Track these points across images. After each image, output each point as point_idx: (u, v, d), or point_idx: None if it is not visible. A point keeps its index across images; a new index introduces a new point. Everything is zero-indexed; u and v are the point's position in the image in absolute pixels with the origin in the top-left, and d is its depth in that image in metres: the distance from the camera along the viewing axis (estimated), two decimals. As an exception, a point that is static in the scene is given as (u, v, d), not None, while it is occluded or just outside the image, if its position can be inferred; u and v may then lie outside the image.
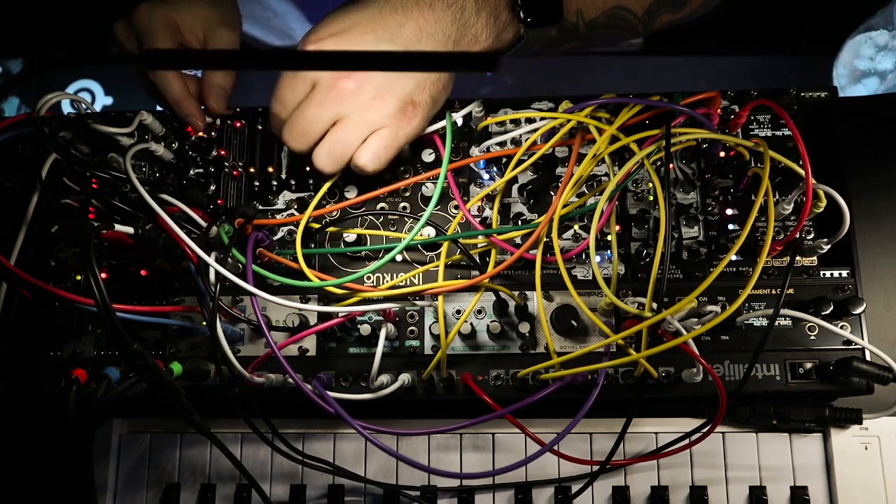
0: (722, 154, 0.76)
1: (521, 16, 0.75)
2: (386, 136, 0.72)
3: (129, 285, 0.77)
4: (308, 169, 0.81)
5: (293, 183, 0.81)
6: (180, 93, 0.79)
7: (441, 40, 0.71)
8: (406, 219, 0.79)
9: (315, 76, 0.71)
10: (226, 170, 0.82)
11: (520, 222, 0.76)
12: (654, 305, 0.66)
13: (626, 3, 0.83)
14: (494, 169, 0.78)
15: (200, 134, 0.82)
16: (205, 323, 0.73)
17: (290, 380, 0.69)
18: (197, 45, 0.85)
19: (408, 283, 0.77)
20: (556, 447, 0.70)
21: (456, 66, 0.45)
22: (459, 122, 0.79)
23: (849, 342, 0.72)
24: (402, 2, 0.70)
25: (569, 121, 0.73)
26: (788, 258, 0.71)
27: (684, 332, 0.64)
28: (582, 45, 0.92)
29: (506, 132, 0.76)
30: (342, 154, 0.72)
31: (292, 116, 0.72)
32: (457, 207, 0.79)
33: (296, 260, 0.73)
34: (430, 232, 0.76)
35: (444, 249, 0.74)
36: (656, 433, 0.78)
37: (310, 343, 0.76)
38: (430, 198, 0.72)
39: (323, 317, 0.74)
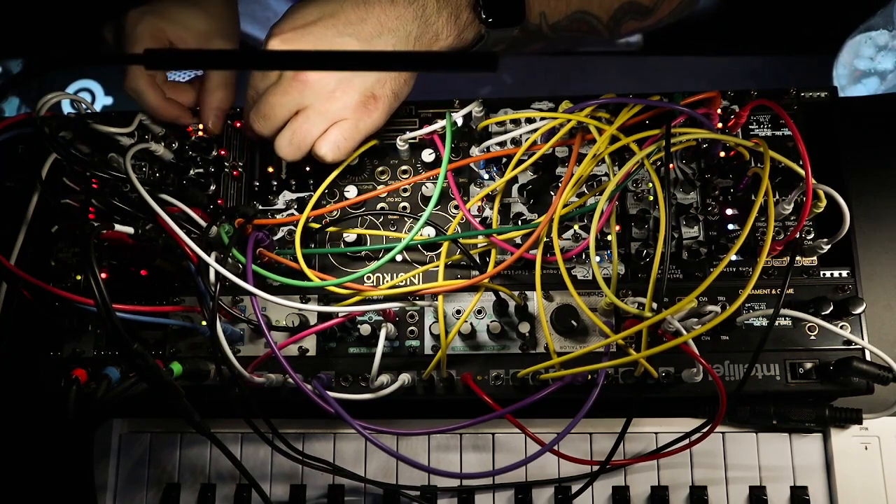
0: (722, 154, 0.76)
1: (483, 16, 0.76)
2: (346, 127, 0.73)
3: (129, 285, 0.77)
4: (308, 169, 0.81)
5: (293, 183, 0.81)
6: (156, 102, 0.79)
7: (402, 36, 0.72)
8: (406, 219, 0.79)
9: (273, 73, 0.72)
10: (226, 170, 0.82)
11: (520, 222, 0.76)
12: (654, 305, 0.66)
13: (591, 8, 0.84)
14: (494, 169, 0.78)
15: (200, 134, 0.82)
16: (205, 323, 0.73)
17: (290, 380, 0.69)
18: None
19: (408, 283, 0.77)
20: (556, 447, 0.70)
21: (456, 67, 0.45)
22: (459, 122, 0.79)
23: (849, 342, 0.72)
24: None
25: (569, 121, 0.73)
26: (788, 258, 0.71)
27: (684, 332, 0.64)
28: (547, 46, 0.92)
29: (506, 132, 0.76)
30: (302, 142, 0.73)
31: (259, 101, 0.74)
32: (457, 207, 0.79)
33: (296, 260, 0.73)
34: (430, 232, 0.76)
35: (444, 249, 0.74)
36: (656, 433, 0.78)
37: (310, 343, 0.76)
38: (430, 198, 0.72)
39: (323, 317, 0.74)
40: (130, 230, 0.67)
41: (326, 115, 0.72)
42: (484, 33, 0.79)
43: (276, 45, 0.71)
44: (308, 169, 0.81)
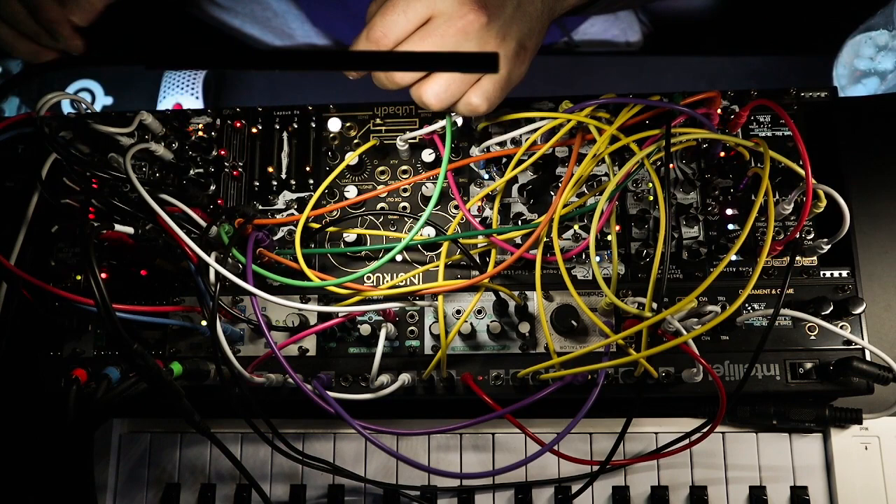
0: (722, 154, 0.76)
1: None
2: (501, 77, 0.70)
3: (129, 285, 0.77)
4: (308, 169, 0.81)
5: (293, 183, 0.81)
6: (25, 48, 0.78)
7: None
8: (406, 219, 0.79)
9: (436, 6, 0.66)
10: (226, 170, 0.82)
11: (520, 222, 0.76)
12: (654, 305, 0.66)
13: None
14: (494, 169, 0.78)
15: (200, 133, 0.82)
16: (205, 323, 0.73)
17: (290, 380, 0.69)
18: None
19: (408, 283, 0.77)
20: (556, 447, 0.70)
21: (456, 66, 0.45)
22: (459, 122, 0.79)
23: (849, 342, 0.72)
24: None
25: (569, 121, 0.73)
26: (788, 258, 0.71)
27: (684, 332, 0.64)
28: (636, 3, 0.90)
29: (506, 132, 0.76)
30: (458, 91, 0.69)
31: (406, 42, 0.68)
32: (457, 207, 0.79)
33: (296, 260, 0.73)
34: (430, 232, 0.76)
35: (444, 249, 0.74)
36: (656, 433, 0.78)
37: (310, 343, 0.76)
38: (430, 198, 0.72)
39: (323, 317, 0.74)
40: (130, 230, 0.67)
41: None
42: None
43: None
44: (308, 169, 0.81)
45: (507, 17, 0.69)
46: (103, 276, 0.74)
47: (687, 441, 0.73)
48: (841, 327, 0.72)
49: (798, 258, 0.75)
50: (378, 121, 0.82)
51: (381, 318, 0.74)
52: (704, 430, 0.71)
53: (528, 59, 0.72)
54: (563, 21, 1.18)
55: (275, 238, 0.77)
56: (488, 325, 0.74)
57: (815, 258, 0.76)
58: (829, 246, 0.73)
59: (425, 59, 0.52)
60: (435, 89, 0.68)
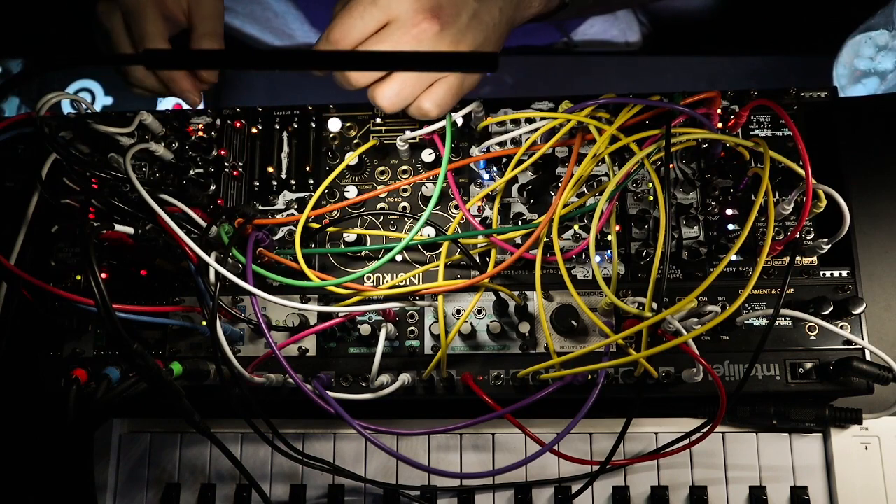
0: (722, 154, 0.76)
1: None
2: (453, 84, 0.73)
3: (129, 285, 0.77)
4: (308, 169, 0.81)
5: (293, 183, 0.81)
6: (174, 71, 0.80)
7: (508, 0, 0.76)
8: (406, 219, 0.79)
9: (391, 12, 0.69)
10: (226, 170, 0.82)
11: (520, 222, 0.76)
12: (654, 305, 0.66)
13: None
14: (494, 169, 0.78)
15: (200, 133, 0.82)
16: (205, 323, 0.73)
17: (290, 380, 0.69)
18: (182, 16, 0.85)
19: (408, 283, 0.77)
20: (556, 447, 0.70)
21: (456, 66, 0.45)
22: (459, 122, 0.79)
23: (849, 342, 0.72)
24: None
25: (569, 121, 0.73)
26: (788, 258, 0.71)
27: (684, 332, 0.64)
28: (605, 10, 0.93)
29: (506, 132, 0.76)
30: (409, 95, 0.73)
31: (362, 46, 0.71)
32: (457, 207, 0.79)
33: (296, 260, 0.73)
34: (430, 232, 0.76)
35: (444, 249, 0.74)
36: (656, 433, 0.78)
37: (310, 343, 0.76)
38: (430, 198, 0.72)
39: (323, 317, 0.74)
40: (130, 230, 0.67)
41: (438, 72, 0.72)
42: (568, 1, 0.84)
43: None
44: (308, 169, 0.81)
45: (462, 25, 0.71)
46: (103, 276, 0.74)
47: (687, 441, 0.73)
48: (841, 327, 0.72)
49: (798, 258, 0.75)
50: (378, 121, 0.82)
51: (381, 318, 0.74)
52: (704, 430, 0.71)
53: (455, 73, 0.74)
54: (562, 22, 1.18)
55: (275, 238, 0.77)
56: (488, 325, 0.74)
57: (815, 258, 0.76)
58: (829, 246, 0.73)
59: (426, 58, 0.52)
60: (387, 92, 0.72)
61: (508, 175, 0.73)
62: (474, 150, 0.78)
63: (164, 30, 0.84)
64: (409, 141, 0.78)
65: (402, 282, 0.77)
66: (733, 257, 0.73)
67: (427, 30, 0.69)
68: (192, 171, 0.81)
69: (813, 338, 0.73)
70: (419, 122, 0.81)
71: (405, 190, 0.80)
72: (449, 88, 0.73)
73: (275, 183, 0.81)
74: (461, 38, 0.72)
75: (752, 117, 0.79)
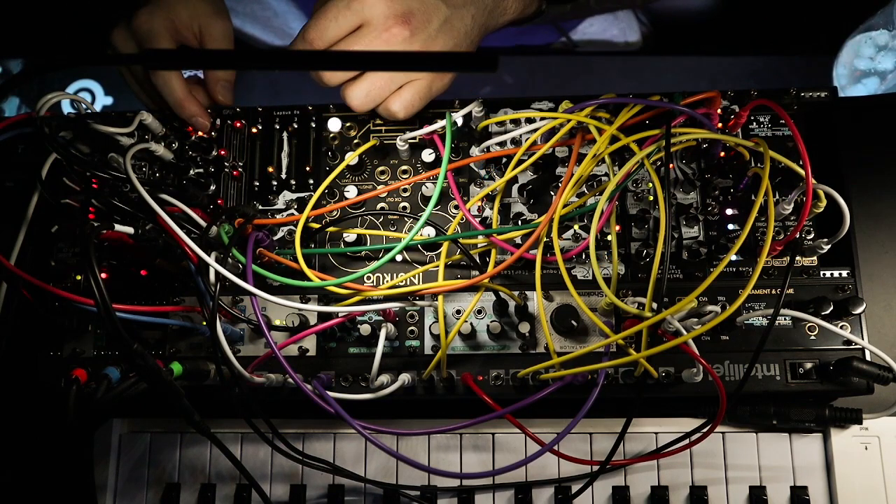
0: (722, 154, 0.76)
1: None
2: (421, 87, 0.76)
3: (129, 285, 0.77)
4: (308, 169, 0.81)
5: (293, 183, 0.81)
6: (182, 94, 0.80)
7: (481, 8, 0.79)
8: (406, 219, 0.79)
9: (365, 15, 0.72)
10: (226, 170, 0.82)
11: (520, 222, 0.76)
12: (654, 305, 0.66)
13: None
14: (494, 169, 0.78)
15: (200, 134, 0.82)
16: (205, 323, 0.73)
17: (290, 380, 0.69)
18: (194, 40, 0.86)
19: (408, 283, 0.77)
20: (556, 447, 0.70)
21: (456, 66, 0.45)
22: (459, 122, 0.79)
23: (849, 342, 0.72)
24: None
25: (569, 121, 0.73)
26: (788, 258, 0.71)
27: (684, 332, 0.64)
28: (583, 15, 0.95)
29: (506, 132, 0.76)
30: (378, 96, 0.75)
31: (335, 47, 0.73)
32: (457, 207, 0.79)
33: (296, 260, 0.73)
34: (430, 232, 0.76)
35: (444, 249, 0.74)
36: (656, 433, 0.78)
37: (310, 343, 0.76)
38: (430, 198, 0.72)
39: (323, 317, 0.74)
40: (130, 230, 0.67)
41: (407, 73, 0.74)
42: (544, 9, 0.86)
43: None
44: (308, 169, 0.81)
45: (433, 31, 0.74)
46: (103, 276, 0.74)
47: (687, 441, 0.73)
48: (841, 327, 0.72)
49: (798, 258, 0.75)
50: (378, 121, 0.82)
51: (381, 318, 0.74)
52: (704, 430, 0.71)
53: (453, 73, 0.77)
54: (561, 22, 1.18)
55: (275, 238, 0.77)
56: (488, 325, 0.74)
57: (815, 258, 0.76)
58: (829, 246, 0.73)
59: (426, 58, 0.52)
60: (357, 92, 0.74)
61: (508, 175, 0.73)
62: (474, 150, 0.78)
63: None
64: (409, 141, 0.78)
65: (402, 282, 0.77)
66: (733, 257, 0.73)
67: (397, 34, 0.72)
68: (192, 171, 0.81)
69: (813, 338, 0.73)
70: (419, 123, 0.82)
71: (405, 190, 0.80)
72: (417, 91, 0.76)
73: (275, 183, 0.81)
74: (431, 44, 0.74)
75: (752, 117, 0.79)
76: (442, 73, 0.76)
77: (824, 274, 0.74)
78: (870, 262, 0.82)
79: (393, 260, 0.76)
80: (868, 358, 0.71)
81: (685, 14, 1.25)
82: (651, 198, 0.76)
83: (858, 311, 0.71)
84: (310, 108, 0.83)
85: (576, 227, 0.74)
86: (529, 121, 0.76)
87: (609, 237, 0.72)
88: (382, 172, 0.81)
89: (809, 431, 0.77)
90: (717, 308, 0.69)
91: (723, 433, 0.78)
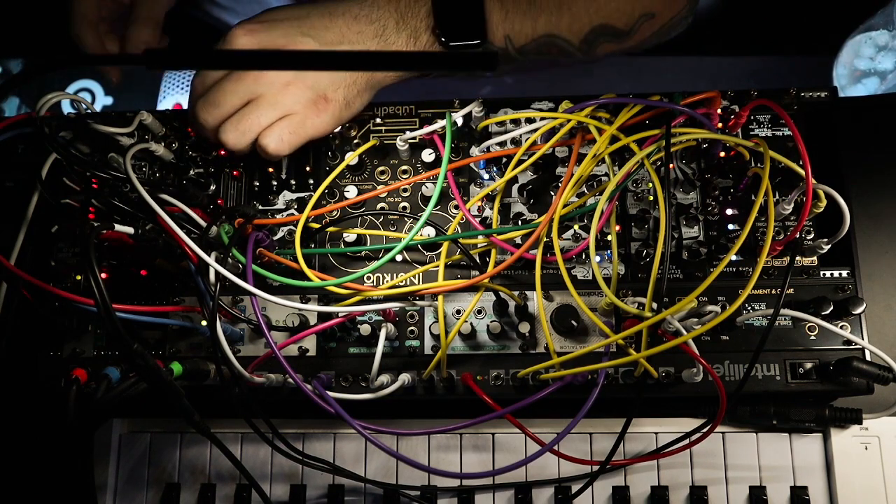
0: (722, 154, 0.76)
1: (442, 40, 0.76)
2: (294, 122, 0.74)
3: (129, 285, 0.77)
4: (308, 169, 0.81)
5: (293, 183, 0.81)
6: (95, 48, 0.83)
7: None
8: (406, 219, 0.79)
9: (257, 90, 0.73)
10: (226, 170, 0.82)
11: (520, 222, 0.76)
12: (654, 305, 0.66)
13: (559, 32, 0.82)
14: (494, 169, 0.78)
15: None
16: (205, 323, 0.73)
17: (290, 380, 0.69)
18: None
19: (408, 283, 0.77)
20: (556, 447, 0.70)
21: (456, 66, 0.45)
22: (459, 122, 0.79)
23: (849, 342, 0.72)
24: (332, 10, 0.75)
25: (569, 121, 0.73)
26: (788, 258, 0.71)
27: (684, 332, 0.64)
28: (519, 67, 0.93)
29: (506, 132, 0.76)
30: (249, 131, 0.73)
31: (211, 89, 0.74)
32: (457, 207, 0.79)
33: (296, 260, 0.73)
34: (430, 232, 0.76)
35: (444, 249, 0.74)
36: (656, 433, 0.78)
37: (310, 343, 0.76)
38: (430, 198, 0.72)
39: (323, 317, 0.74)
40: (130, 230, 0.67)
41: (277, 106, 0.73)
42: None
43: (240, 34, 0.73)
44: (308, 169, 0.81)
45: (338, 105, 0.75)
46: (103, 276, 0.74)
47: (687, 441, 0.73)
48: (841, 327, 0.72)
49: (798, 258, 0.75)
50: (378, 121, 0.82)
51: (381, 318, 0.74)
52: (704, 430, 0.71)
53: (332, 110, 0.76)
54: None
55: (275, 238, 0.77)
56: (488, 325, 0.74)
57: (815, 258, 0.76)
58: (829, 246, 0.73)
59: (426, 59, 0.52)
60: (228, 126, 0.73)
61: (508, 175, 0.73)
62: (474, 150, 0.78)
63: (95, 8, 0.87)
64: (409, 141, 0.78)
65: (402, 282, 0.77)
66: (733, 257, 0.73)
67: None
68: (192, 171, 0.81)
69: (813, 338, 0.73)
70: (419, 123, 0.82)
71: (405, 190, 0.80)
72: (288, 125, 0.74)
73: (275, 183, 0.81)
74: (304, 78, 0.74)
75: (752, 117, 0.79)
76: (319, 112, 0.75)
77: (824, 274, 0.74)
78: (870, 262, 0.82)
79: (393, 260, 0.76)
80: (868, 358, 0.71)
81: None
82: (651, 198, 0.76)
83: (858, 311, 0.71)
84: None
85: (576, 227, 0.74)
86: (529, 121, 0.76)
87: (609, 237, 0.72)
88: (382, 172, 0.81)
89: (809, 431, 0.77)
90: (717, 308, 0.69)
91: (723, 433, 0.78)
